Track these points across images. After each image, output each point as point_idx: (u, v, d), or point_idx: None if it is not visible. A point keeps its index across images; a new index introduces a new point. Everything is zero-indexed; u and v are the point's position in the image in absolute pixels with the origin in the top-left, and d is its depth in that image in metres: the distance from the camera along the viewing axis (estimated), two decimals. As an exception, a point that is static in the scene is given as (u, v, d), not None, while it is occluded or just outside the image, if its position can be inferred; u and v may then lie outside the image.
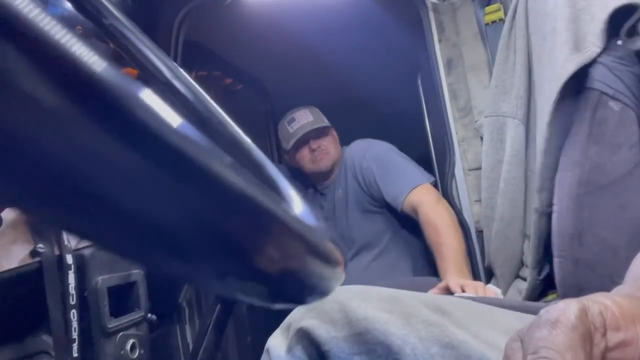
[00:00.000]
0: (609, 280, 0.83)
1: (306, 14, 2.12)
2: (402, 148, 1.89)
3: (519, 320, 0.55)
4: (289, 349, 0.53)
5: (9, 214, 0.80)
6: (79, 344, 0.85)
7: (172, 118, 0.19)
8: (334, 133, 1.96)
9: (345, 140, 1.99)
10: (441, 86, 1.73)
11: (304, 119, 1.92)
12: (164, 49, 0.48)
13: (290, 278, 0.25)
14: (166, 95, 0.43)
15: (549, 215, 0.97)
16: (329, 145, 1.90)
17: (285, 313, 0.58)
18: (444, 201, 1.65)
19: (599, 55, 0.88)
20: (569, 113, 0.93)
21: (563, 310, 0.32)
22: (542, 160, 0.98)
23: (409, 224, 1.79)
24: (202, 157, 0.19)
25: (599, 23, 0.88)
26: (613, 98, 0.87)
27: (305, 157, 1.91)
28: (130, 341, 0.97)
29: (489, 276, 1.45)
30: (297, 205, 0.26)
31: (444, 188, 1.74)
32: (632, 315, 0.33)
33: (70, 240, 0.88)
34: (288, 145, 1.93)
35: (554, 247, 0.94)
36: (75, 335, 0.85)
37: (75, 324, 0.85)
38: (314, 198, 2.03)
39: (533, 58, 1.15)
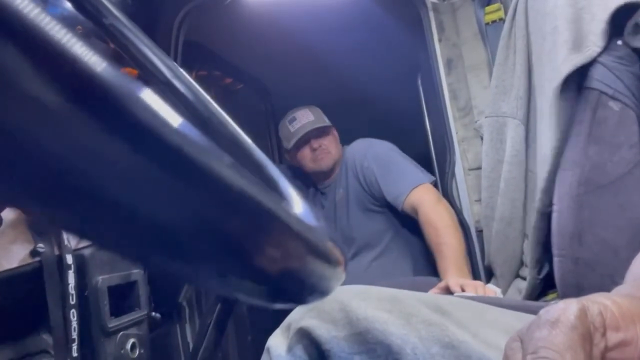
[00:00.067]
0: (608, 280, 0.83)
1: (306, 14, 2.12)
2: (402, 148, 1.89)
3: (518, 320, 0.55)
4: (290, 349, 0.53)
5: (9, 214, 0.80)
6: (78, 344, 0.85)
7: (173, 118, 0.19)
8: (335, 132, 1.96)
9: (345, 139, 1.99)
10: (441, 86, 1.73)
11: (305, 118, 1.92)
12: (164, 49, 0.48)
13: (291, 278, 0.25)
14: (166, 95, 0.43)
15: (548, 215, 0.97)
16: (330, 145, 1.91)
17: (285, 313, 0.58)
18: (444, 201, 1.65)
19: (599, 55, 0.88)
20: (569, 113, 0.93)
21: (563, 310, 0.32)
22: (543, 160, 0.98)
23: (409, 224, 1.79)
24: (202, 157, 0.19)
25: (600, 23, 0.88)
26: (613, 98, 0.87)
27: (306, 157, 1.92)
28: (131, 340, 0.97)
29: (489, 276, 1.45)
30: (297, 204, 0.26)
31: (444, 188, 1.74)
32: (632, 315, 0.33)
33: (70, 240, 0.88)
34: (289, 144, 1.94)
35: (554, 246, 0.94)
36: (75, 334, 0.85)
37: (75, 324, 0.85)
38: (314, 197, 2.03)
39: (533, 58, 1.15)
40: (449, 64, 1.73)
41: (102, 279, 0.92)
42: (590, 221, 0.88)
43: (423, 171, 1.78)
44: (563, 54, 0.92)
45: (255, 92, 2.73)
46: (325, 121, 1.95)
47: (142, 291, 1.03)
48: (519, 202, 1.23)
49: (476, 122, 1.66)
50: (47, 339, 0.86)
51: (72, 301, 0.85)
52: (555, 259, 0.93)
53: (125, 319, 0.97)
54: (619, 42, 0.88)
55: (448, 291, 1.31)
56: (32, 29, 0.16)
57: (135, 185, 0.19)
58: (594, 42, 0.89)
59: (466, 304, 0.58)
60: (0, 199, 0.19)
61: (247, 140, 0.37)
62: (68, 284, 0.86)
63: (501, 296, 1.25)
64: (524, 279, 1.19)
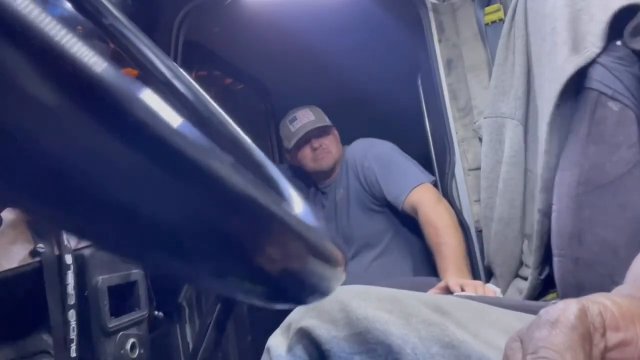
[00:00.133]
0: (608, 280, 0.83)
1: (306, 14, 2.12)
2: (402, 148, 1.90)
3: (518, 320, 0.55)
4: (290, 349, 0.54)
5: (9, 214, 0.80)
6: (78, 344, 0.85)
7: (173, 118, 0.19)
8: (336, 132, 1.96)
9: (345, 139, 1.99)
10: (441, 86, 1.73)
11: (306, 118, 1.92)
12: (163, 49, 0.48)
13: (291, 278, 0.25)
14: (166, 95, 0.43)
15: (550, 216, 0.97)
16: (330, 144, 1.91)
17: (285, 313, 0.58)
18: (444, 201, 1.65)
19: (598, 55, 0.88)
20: (569, 113, 0.93)
21: (563, 310, 0.32)
22: (543, 161, 0.98)
23: (410, 224, 1.79)
24: (202, 157, 0.19)
25: (600, 23, 0.88)
26: (612, 98, 0.87)
27: (307, 156, 1.92)
28: (130, 340, 0.97)
29: (489, 275, 1.46)
30: (297, 204, 0.26)
31: (444, 188, 1.74)
32: (632, 315, 0.33)
33: (70, 240, 0.88)
34: (290, 144, 1.94)
35: (554, 246, 0.94)
36: (74, 335, 0.85)
37: (74, 324, 0.85)
38: (315, 197, 2.03)
39: (532, 58, 1.15)
40: (448, 64, 1.73)
41: (102, 279, 0.92)
42: (589, 221, 0.88)
43: (423, 171, 1.78)
44: (563, 54, 0.92)
45: (255, 92, 2.73)
46: (326, 121, 1.95)
47: (142, 291, 1.03)
48: (518, 203, 1.23)
49: (475, 122, 1.67)
50: (47, 339, 0.86)
51: (72, 301, 0.85)
52: (555, 259, 0.93)
53: (125, 319, 0.97)
54: (619, 43, 0.88)
55: (448, 291, 1.31)
56: (33, 29, 0.16)
57: (136, 185, 0.19)
58: (593, 43, 0.89)
59: (466, 304, 0.58)
60: (0, 199, 0.19)
61: (247, 140, 0.37)
62: (68, 284, 0.85)
63: (501, 296, 1.25)
64: (524, 278, 1.19)
